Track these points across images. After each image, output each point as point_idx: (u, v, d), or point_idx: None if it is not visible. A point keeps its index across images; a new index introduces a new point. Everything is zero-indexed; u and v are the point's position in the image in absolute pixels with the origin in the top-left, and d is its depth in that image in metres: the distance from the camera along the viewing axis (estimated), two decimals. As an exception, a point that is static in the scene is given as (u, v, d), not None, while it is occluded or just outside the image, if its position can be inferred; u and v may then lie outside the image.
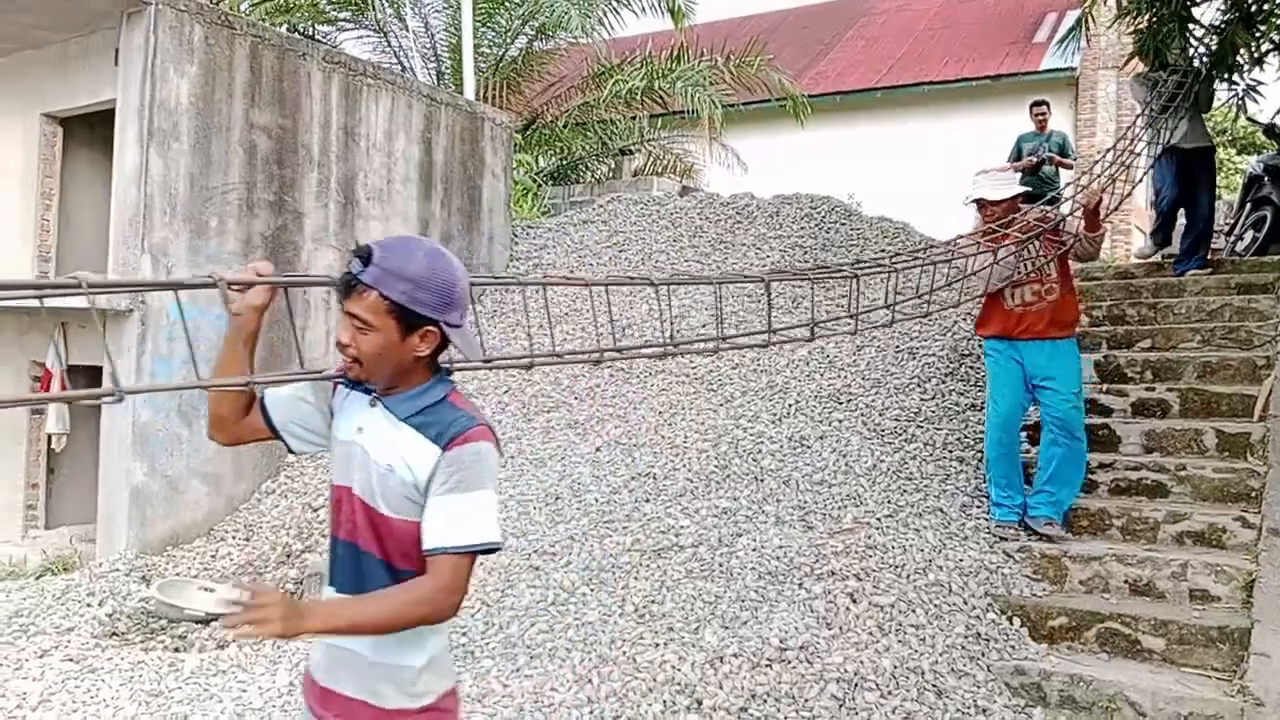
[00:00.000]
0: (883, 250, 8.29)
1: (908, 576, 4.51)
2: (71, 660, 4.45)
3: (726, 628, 4.24)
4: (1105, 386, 6.09)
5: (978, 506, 5.14)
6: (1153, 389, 5.92)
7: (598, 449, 6.14)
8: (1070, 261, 5.19)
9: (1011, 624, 4.43)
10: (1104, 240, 5.16)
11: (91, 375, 6.47)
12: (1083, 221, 4.97)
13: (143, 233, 6.03)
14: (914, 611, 4.33)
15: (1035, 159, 8.51)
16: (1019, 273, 5.07)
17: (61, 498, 7.23)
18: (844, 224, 8.76)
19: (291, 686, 4.22)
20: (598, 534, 5.23)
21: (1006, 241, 4.98)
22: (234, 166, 6.53)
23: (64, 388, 6.47)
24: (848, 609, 4.33)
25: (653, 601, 4.52)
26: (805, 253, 8.24)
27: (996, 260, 4.90)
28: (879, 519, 5.00)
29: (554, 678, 4.13)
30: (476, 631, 4.61)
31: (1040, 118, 8.88)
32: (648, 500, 5.45)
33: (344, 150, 7.31)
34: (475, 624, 4.67)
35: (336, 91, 7.23)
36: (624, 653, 4.20)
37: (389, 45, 15.09)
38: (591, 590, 4.73)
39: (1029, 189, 5.61)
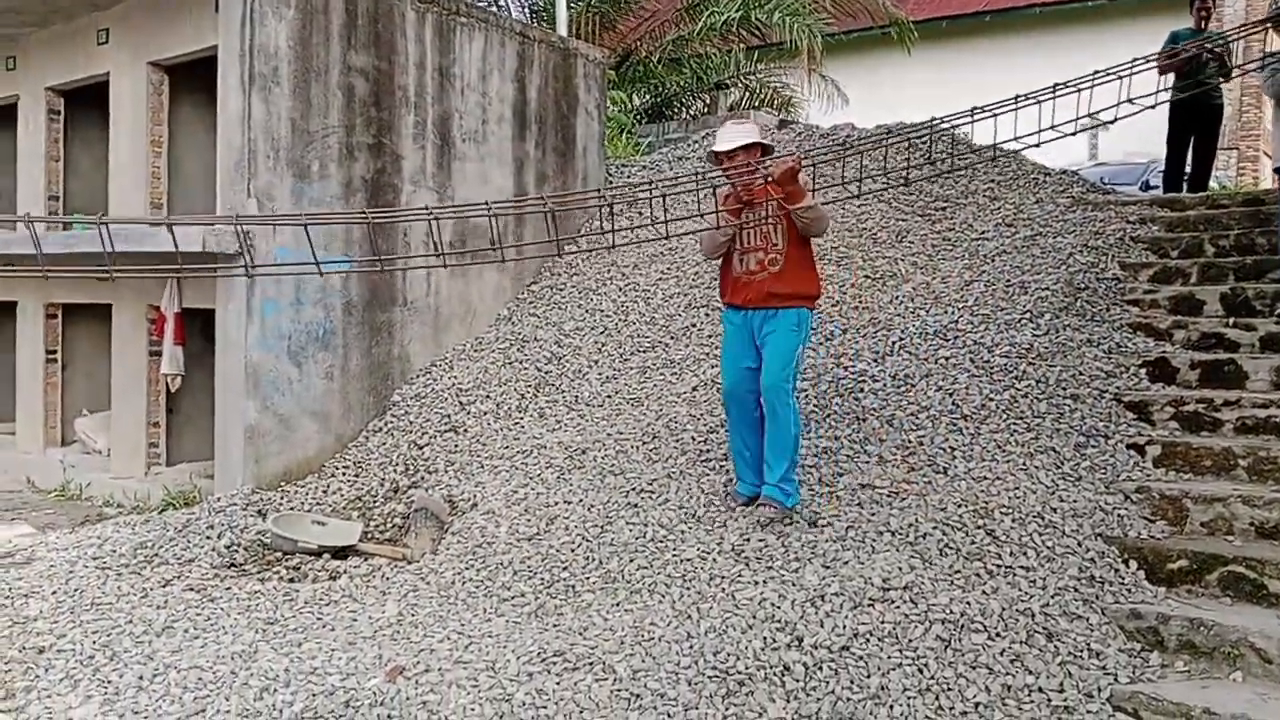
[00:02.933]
0: (993, 180, 7.95)
1: (1017, 518, 4.36)
2: (193, 590, 4.67)
3: (827, 567, 4.19)
4: (1232, 320, 5.76)
5: (1093, 446, 4.93)
6: (1286, 321, 5.58)
7: (694, 388, 6.09)
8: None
9: (1127, 566, 4.25)
10: (823, 218, 4.68)
11: (204, 317, 6.69)
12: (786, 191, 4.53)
13: (248, 177, 6.16)
14: (1025, 553, 4.20)
15: (1190, 54, 7.63)
16: (744, 241, 4.76)
17: (181, 436, 7.56)
18: (950, 154, 8.40)
19: (400, 617, 4.35)
20: (695, 473, 5.21)
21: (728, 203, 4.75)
22: (333, 110, 6.60)
23: (178, 329, 6.72)
24: (954, 550, 4.22)
25: (750, 540, 4.48)
26: (910, 185, 7.94)
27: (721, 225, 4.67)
28: (987, 459, 4.84)
29: (654, 612, 4.14)
30: (578, 566, 4.66)
31: (1203, 13, 8.08)
32: (746, 439, 5.38)
33: (439, 91, 7.31)
34: (576, 559, 4.71)
35: (430, 31, 7.22)
36: (723, 589, 4.19)
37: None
38: (689, 528, 4.72)
39: (752, 141, 4.70)
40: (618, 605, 4.30)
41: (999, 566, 4.14)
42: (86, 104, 7.90)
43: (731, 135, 4.74)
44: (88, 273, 6.01)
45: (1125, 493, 4.63)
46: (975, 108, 4.77)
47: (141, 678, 3.78)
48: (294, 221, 5.56)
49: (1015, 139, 4.59)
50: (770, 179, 4.57)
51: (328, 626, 4.20)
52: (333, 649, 3.93)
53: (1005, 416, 5.12)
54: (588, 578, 4.54)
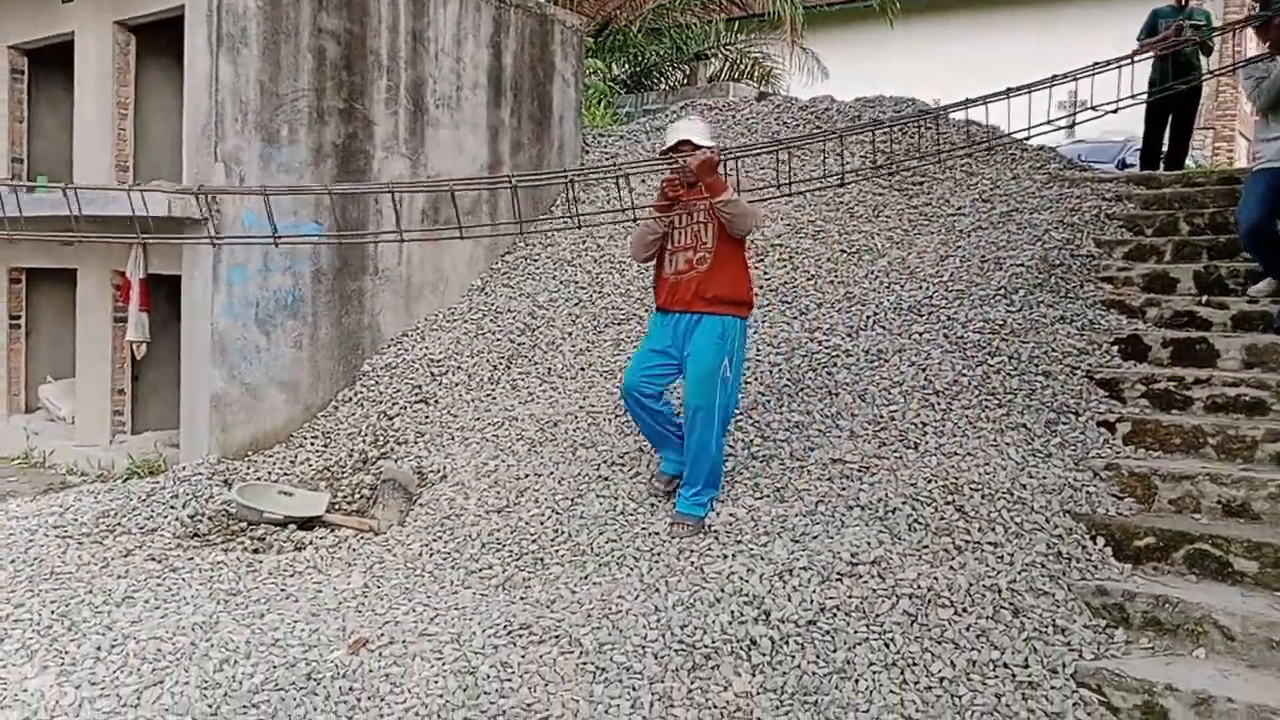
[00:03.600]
0: (970, 156, 7.91)
1: (986, 494, 4.36)
2: (154, 559, 4.60)
3: (796, 541, 4.17)
4: (1205, 298, 5.77)
5: (1064, 423, 4.93)
6: (1255, 301, 5.58)
7: (668, 360, 6.04)
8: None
9: (1095, 543, 4.27)
10: (746, 214, 4.44)
11: (171, 284, 6.57)
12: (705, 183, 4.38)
13: (215, 141, 6.03)
14: (993, 529, 4.20)
15: (1170, 34, 7.55)
16: (674, 240, 4.59)
17: (147, 404, 7.44)
18: (930, 128, 8.35)
19: (365, 589, 4.30)
20: (667, 445, 5.17)
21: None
22: (303, 73, 6.46)
23: (144, 295, 6.60)
24: (923, 525, 4.21)
25: (720, 514, 4.46)
26: (888, 159, 7.89)
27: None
28: (958, 435, 4.84)
29: (622, 585, 4.12)
30: (546, 539, 4.63)
31: None
32: (718, 412, 5.35)
33: (412, 55, 7.18)
34: (545, 531, 4.68)
35: (404, -6, 7.07)
36: (691, 563, 4.17)
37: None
38: (659, 501, 4.70)
39: (688, 138, 4.55)
40: (586, 578, 4.27)
41: (967, 542, 4.14)
42: (51, 64, 7.70)
43: (675, 132, 4.60)
44: (52, 237, 5.89)
45: (1094, 470, 4.64)
46: (969, 100, 4.73)
47: (99, 648, 3.72)
48: (254, 192, 5.45)
49: (1027, 130, 4.54)
50: (688, 171, 4.39)
51: (291, 598, 4.15)
52: (295, 620, 3.88)
53: (977, 392, 5.11)
54: (556, 550, 4.51)
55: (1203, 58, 8.14)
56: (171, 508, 5.39)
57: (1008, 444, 4.76)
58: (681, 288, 4.55)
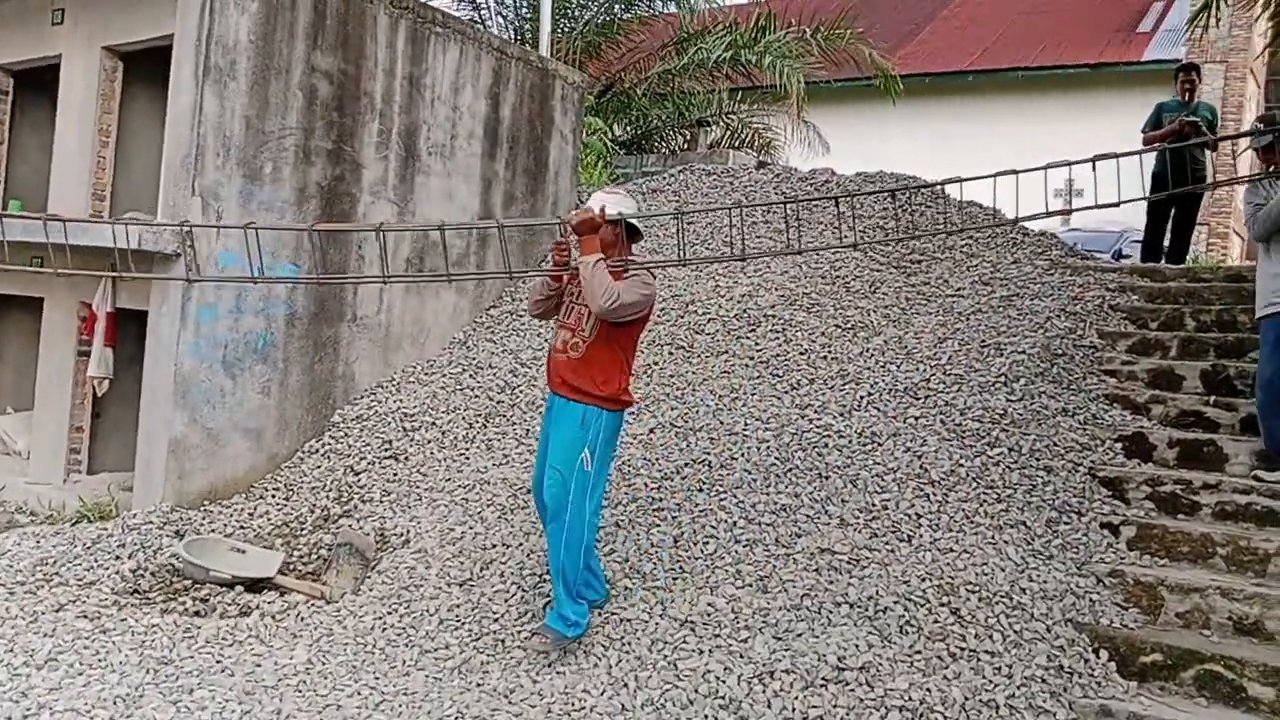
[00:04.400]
0: (970, 237, 7.75)
1: (984, 597, 4.07)
2: (86, 617, 4.25)
3: (779, 639, 3.87)
4: (1213, 398, 5.55)
5: (1065, 523, 4.66)
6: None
7: (651, 430, 5.77)
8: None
9: (1098, 657, 3.97)
10: (602, 291, 3.86)
11: (139, 319, 6.28)
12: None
13: (194, 174, 5.79)
14: (990, 636, 3.90)
15: (1176, 127, 7.58)
16: (562, 313, 4.27)
17: (106, 443, 7.10)
18: (930, 207, 8.23)
19: (309, 665, 3.96)
20: (645, 522, 4.88)
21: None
22: (292, 111, 6.26)
23: (109, 329, 6.31)
24: (915, 628, 3.92)
25: (698, 603, 4.15)
26: (885, 233, 7.73)
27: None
28: (955, 530, 4.56)
29: (587, 677, 3.81)
30: (510, 618, 4.32)
31: (1187, 85, 8.03)
32: (701, 490, 5.07)
33: (407, 100, 7.00)
34: (509, 610, 4.37)
35: (403, 38, 6.91)
36: (664, 657, 3.86)
37: (474, 4, 14.81)
38: (633, 584, 4.39)
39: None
40: (549, 666, 3.95)
41: (962, 650, 3.84)
42: (37, 87, 7.49)
43: (594, 200, 4.27)
44: (16, 270, 5.62)
45: (1098, 575, 4.37)
46: (963, 178, 4.53)
47: (10, 718, 3.36)
48: (238, 226, 5.21)
49: (1045, 213, 4.31)
50: (571, 230, 4.08)
51: (227, 671, 3.80)
52: (227, 699, 3.54)
53: (975, 485, 4.84)
54: (519, 632, 4.19)
55: (1207, 153, 8.06)
56: (116, 558, 5.04)
57: (1006, 542, 4.48)
58: (552, 367, 4.24)
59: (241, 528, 5.69)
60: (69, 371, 6.80)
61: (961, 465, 4.97)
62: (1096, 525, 4.72)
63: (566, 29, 14.15)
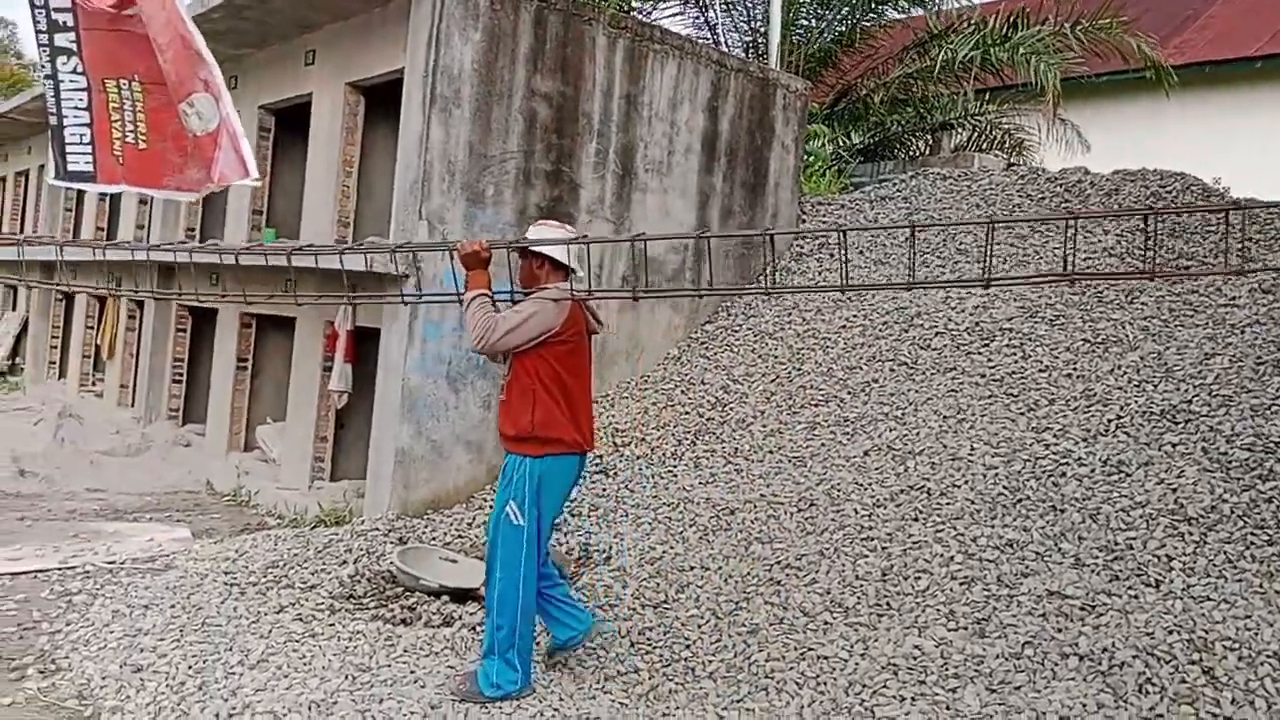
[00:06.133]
0: (1248, 238, 6.79)
1: (1245, 655, 3.45)
2: (301, 620, 4.48)
3: (993, 691, 3.45)
4: None
5: (1361, 574, 3.90)
6: None
7: (866, 453, 5.42)
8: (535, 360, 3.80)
9: None
10: (474, 326, 3.75)
11: (373, 337, 6.66)
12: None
13: (421, 199, 6.07)
14: (1250, 703, 3.30)
15: None
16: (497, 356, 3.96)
17: (349, 453, 7.58)
18: (1200, 217, 7.29)
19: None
20: (852, 552, 4.55)
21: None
22: (513, 135, 6.44)
23: (349, 347, 6.72)
24: (1157, 688, 3.37)
25: (903, 645, 3.79)
26: (1146, 236, 6.92)
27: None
28: (1213, 575, 3.92)
29: (776, 716, 3.56)
30: (701, 646, 4.13)
31: None
32: (916, 519, 4.68)
33: (624, 119, 7.03)
34: (702, 637, 4.18)
35: (620, 57, 6.95)
36: (861, 701, 3.54)
37: (705, 20, 14.89)
38: (833, 619, 4.08)
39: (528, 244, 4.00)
40: (739, 701, 3.73)
41: (1215, 716, 3.27)
42: (292, 123, 8.18)
43: (531, 233, 4.07)
44: (262, 300, 6.12)
45: (1404, 640, 3.60)
46: None
47: (217, 716, 3.56)
48: (437, 247, 5.39)
49: None
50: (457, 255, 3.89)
51: (418, 681, 3.86)
52: (414, 711, 3.58)
53: (1241, 524, 4.15)
54: (709, 662, 4.00)
55: None
56: (341, 563, 5.31)
57: (1278, 593, 3.79)
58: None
59: (459, 536, 5.87)
60: (315, 386, 7.31)
61: (1225, 501, 4.28)
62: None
63: (801, 40, 13.88)
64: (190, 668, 3.94)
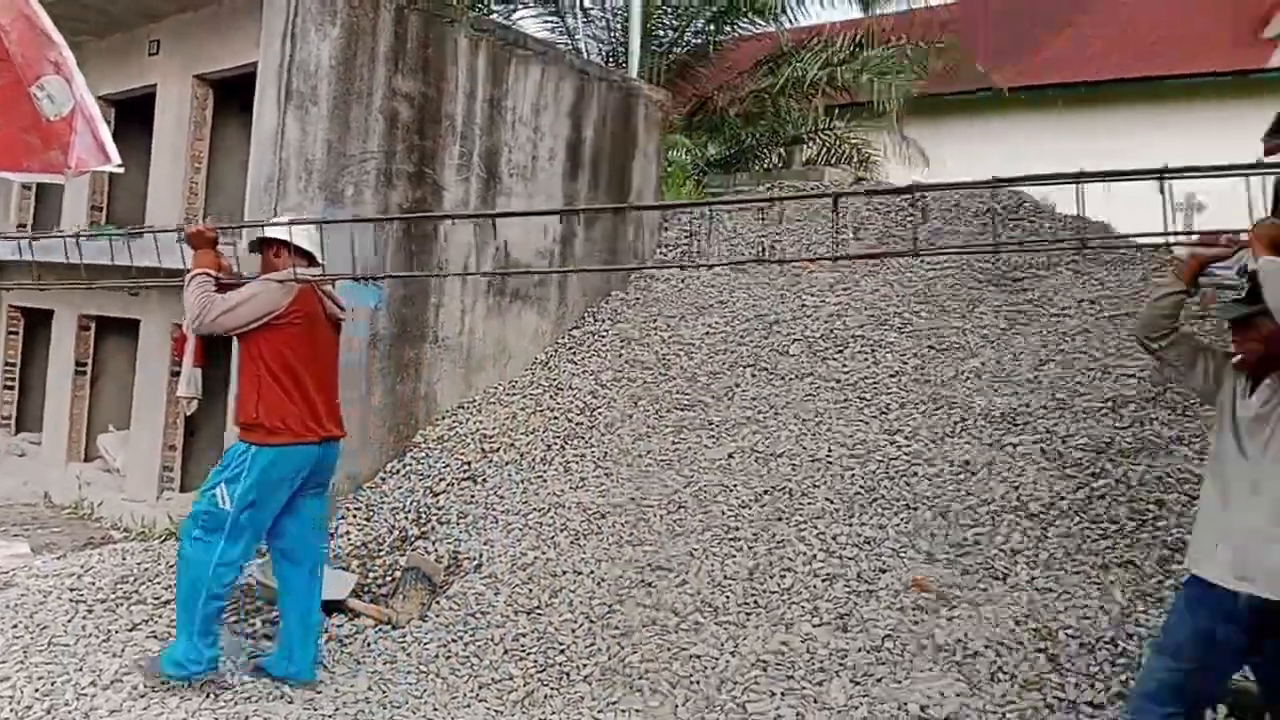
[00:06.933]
0: (1079, 254, 7.31)
1: (1086, 643, 3.73)
2: (156, 638, 4.26)
3: (857, 683, 3.61)
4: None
5: (1178, 562, 4.26)
6: None
7: (730, 455, 5.56)
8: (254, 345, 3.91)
9: (1214, 712, 3.58)
10: (191, 304, 3.86)
11: (226, 341, 6.37)
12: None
13: (276, 198, 5.86)
14: (1092, 686, 3.57)
15: None
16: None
17: (200, 461, 7.21)
18: (1032, 221, 7.82)
19: (369, 693, 3.87)
20: (720, 552, 4.67)
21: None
22: (373, 134, 6.30)
23: (199, 350, 6.40)
24: (1008, 676, 3.60)
25: (771, 642, 3.92)
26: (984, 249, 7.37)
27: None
28: (1054, 568, 4.21)
29: (651, 717, 3.62)
30: (576, 650, 4.16)
31: None
32: (780, 519, 4.84)
33: (489, 123, 6.98)
34: (576, 641, 4.21)
35: (484, 61, 6.90)
36: (733, 698, 3.64)
37: (565, 26, 14.94)
38: (704, 618, 4.18)
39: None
40: (614, 703, 3.77)
41: (1060, 701, 3.52)
42: (135, 115, 7.75)
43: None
44: (70, 284, 5.77)
45: (1216, 621, 3.96)
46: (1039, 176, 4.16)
47: (67, 742, 3.36)
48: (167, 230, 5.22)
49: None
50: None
51: (285, 698, 3.74)
52: (281, 729, 3.47)
53: (1078, 519, 4.48)
54: (584, 665, 4.03)
55: None
56: (193, 578, 5.06)
57: (1112, 583, 4.11)
58: None
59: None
60: (162, 391, 6.95)
61: (1063, 497, 4.61)
62: (1215, 565, 4.30)
63: (657, 50, 14.11)
64: (37, 690, 3.71)
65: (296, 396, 3.78)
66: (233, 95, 6.98)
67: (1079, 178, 2.74)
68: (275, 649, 3.96)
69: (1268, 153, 7.31)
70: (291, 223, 4.02)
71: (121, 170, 6.26)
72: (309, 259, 3.95)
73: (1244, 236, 2.96)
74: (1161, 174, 2.62)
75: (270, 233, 4.06)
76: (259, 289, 3.78)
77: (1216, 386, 3.12)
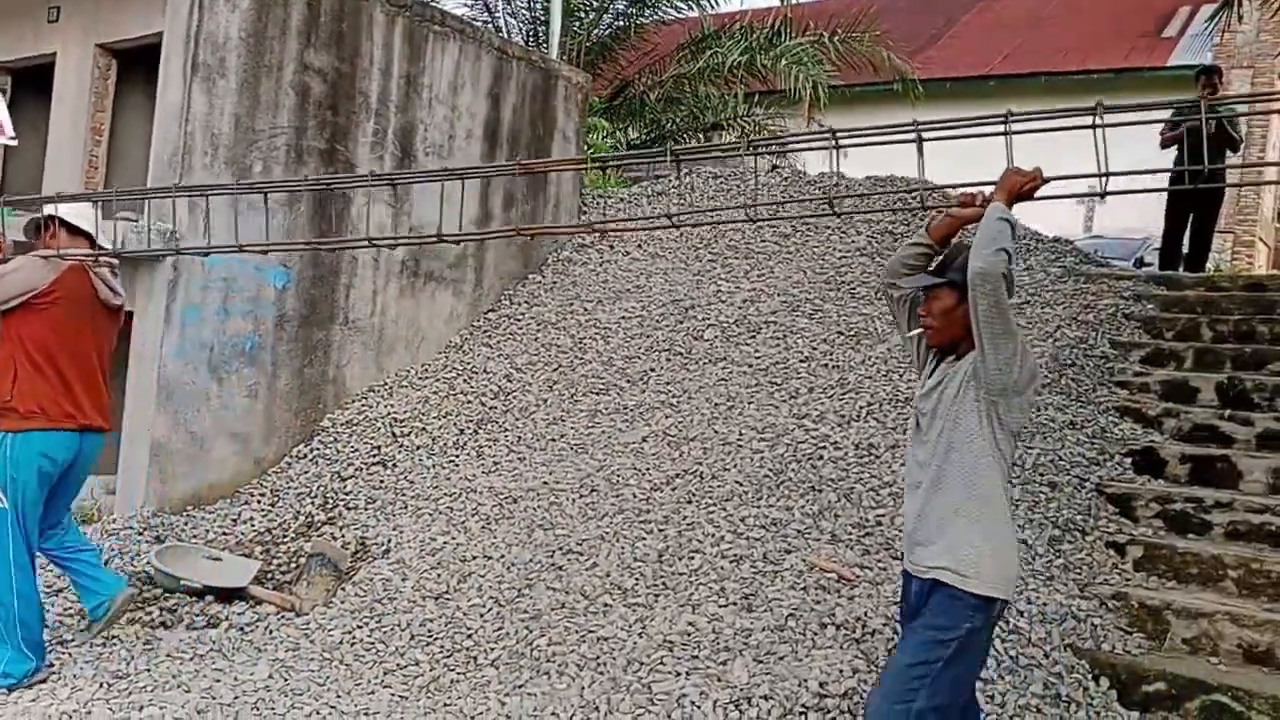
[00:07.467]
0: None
1: (978, 620, 3.86)
2: (46, 627, 4.12)
3: (759, 662, 3.68)
4: (1228, 412, 5.32)
5: (1069, 542, 4.45)
6: (1285, 419, 5.14)
7: (644, 439, 5.60)
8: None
9: (1098, 684, 3.77)
10: None
11: (129, 321, 6.17)
12: None
13: (180, 173, 5.69)
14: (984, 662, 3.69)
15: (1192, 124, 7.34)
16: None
17: (97, 445, 6.99)
18: (942, 211, 8.00)
19: (269, 682, 3.81)
20: (631, 535, 4.70)
21: None
22: (284, 109, 6.15)
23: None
24: (904, 652, 3.71)
25: (678, 622, 3.97)
26: (895, 239, 7.53)
27: None
28: (950, 547, 4.35)
29: (558, 699, 3.63)
30: (484, 634, 4.15)
31: (1209, 89, 7.79)
32: (690, 501, 4.90)
33: (404, 100, 6.87)
34: (484, 625, 4.21)
35: (399, 37, 6.79)
36: (639, 679, 3.68)
37: (484, 4, 14.76)
38: (613, 601, 4.21)
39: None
40: (520, 687, 3.78)
41: (954, 676, 3.63)
42: (33, 85, 7.43)
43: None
44: None
45: (1101, 598, 4.16)
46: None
47: (-53, 736, 3.24)
48: (197, 251, 5.10)
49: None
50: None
51: (182, 687, 3.66)
52: (177, 717, 3.39)
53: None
54: (492, 649, 4.03)
55: (1230, 154, 7.81)
56: (88, 564, 4.90)
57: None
58: None
59: (224, 534, 5.57)
60: None
61: (961, 480, 4.75)
62: (1102, 545, 4.52)
63: (578, 31, 14.04)
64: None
65: (56, 380, 3.63)
66: (137, 66, 6.73)
67: (916, 126, 2.81)
68: (84, 596, 3.86)
69: (1164, 142, 7.64)
70: (59, 198, 3.81)
71: (14, 143, 6.02)
72: (89, 239, 3.77)
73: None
74: (1006, 119, 2.81)
75: (50, 211, 3.85)
76: (20, 264, 3.62)
77: (917, 356, 3.06)
